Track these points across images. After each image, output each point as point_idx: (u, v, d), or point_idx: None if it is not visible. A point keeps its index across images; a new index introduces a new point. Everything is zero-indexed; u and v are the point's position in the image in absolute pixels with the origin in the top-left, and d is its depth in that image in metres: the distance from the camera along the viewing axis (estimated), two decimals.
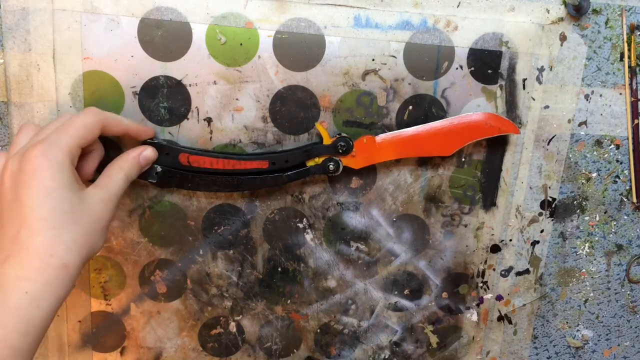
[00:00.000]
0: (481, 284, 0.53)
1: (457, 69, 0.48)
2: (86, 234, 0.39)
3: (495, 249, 0.52)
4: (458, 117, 0.47)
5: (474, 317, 0.54)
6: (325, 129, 0.47)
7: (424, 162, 0.50)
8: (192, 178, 0.46)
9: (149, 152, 0.45)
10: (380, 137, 0.47)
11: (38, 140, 0.39)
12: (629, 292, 0.54)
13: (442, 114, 0.48)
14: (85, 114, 0.41)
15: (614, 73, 0.49)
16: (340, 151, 0.46)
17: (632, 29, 0.48)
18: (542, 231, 0.52)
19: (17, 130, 0.43)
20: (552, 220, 0.52)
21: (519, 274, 0.53)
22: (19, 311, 0.35)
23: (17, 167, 0.38)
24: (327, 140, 0.47)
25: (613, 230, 0.52)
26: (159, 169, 0.46)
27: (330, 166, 0.47)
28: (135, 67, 0.46)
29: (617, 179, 0.51)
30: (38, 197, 0.37)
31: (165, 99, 0.47)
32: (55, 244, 0.37)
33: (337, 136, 0.47)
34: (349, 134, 0.48)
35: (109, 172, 0.42)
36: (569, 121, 0.49)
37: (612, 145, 0.50)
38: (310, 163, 0.47)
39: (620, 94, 0.49)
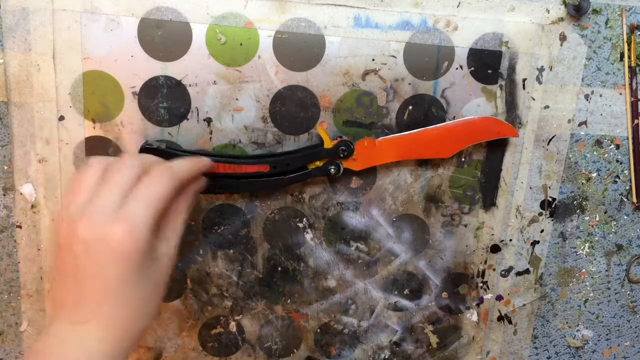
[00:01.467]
0: (481, 284, 0.53)
1: (457, 69, 0.48)
2: (156, 291, 0.39)
3: (495, 249, 0.52)
4: (457, 120, 0.48)
5: (474, 317, 0.54)
6: (325, 131, 0.47)
7: (424, 162, 0.50)
8: None
9: (203, 185, 0.45)
10: (380, 140, 0.47)
11: (118, 214, 0.37)
12: (629, 292, 0.54)
13: (442, 114, 0.48)
14: (163, 181, 0.39)
15: (614, 73, 0.49)
16: (342, 155, 0.47)
17: (632, 29, 0.48)
18: (542, 231, 0.52)
19: (81, 172, 0.40)
20: (552, 220, 0.52)
21: (519, 274, 0.53)
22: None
23: (97, 236, 0.36)
24: (328, 144, 0.47)
25: (613, 230, 0.52)
26: None
27: (332, 169, 0.47)
28: (135, 67, 0.46)
29: (617, 179, 0.51)
30: (124, 276, 0.37)
31: (165, 99, 0.47)
32: (136, 315, 0.38)
33: (338, 139, 0.47)
34: (349, 134, 0.48)
35: (171, 219, 0.42)
36: (569, 121, 0.49)
37: (612, 145, 0.50)
38: (311, 166, 0.47)
39: (620, 94, 0.49)
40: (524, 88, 0.48)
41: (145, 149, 0.46)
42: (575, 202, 0.51)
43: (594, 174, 0.51)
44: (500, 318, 0.54)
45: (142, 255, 0.37)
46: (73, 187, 0.39)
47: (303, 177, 0.47)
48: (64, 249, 0.37)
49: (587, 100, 0.49)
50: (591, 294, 0.54)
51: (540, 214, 0.52)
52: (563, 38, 0.48)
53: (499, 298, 0.54)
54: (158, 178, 0.39)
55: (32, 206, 0.49)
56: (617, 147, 0.50)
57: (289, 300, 0.53)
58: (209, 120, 0.48)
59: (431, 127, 0.47)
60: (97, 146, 0.48)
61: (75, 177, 0.40)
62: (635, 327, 0.55)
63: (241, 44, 0.46)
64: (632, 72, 0.48)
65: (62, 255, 0.38)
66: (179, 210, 0.42)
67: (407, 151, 0.48)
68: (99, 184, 0.38)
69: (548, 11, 0.47)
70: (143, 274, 0.38)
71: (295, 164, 0.47)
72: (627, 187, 0.51)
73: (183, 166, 0.42)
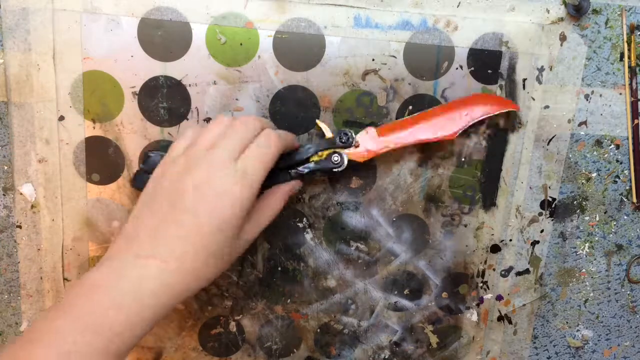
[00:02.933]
0: (481, 284, 0.53)
1: (457, 69, 0.48)
2: (222, 262, 0.39)
3: (495, 249, 0.52)
4: (456, 100, 0.47)
5: (474, 317, 0.54)
6: (325, 125, 0.47)
7: (424, 161, 0.50)
8: None
9: (296, 185, 0.47)
10: (382, 127, 0.47)
11: (237, 169, 0.38)
12: (629, 292, 0.54)
13: None
14: (275, 142, 0.41)
15: (614, 73, 0.49)
16: (342, 141, 0.46)
17: (632, 29, 0.48)
18: (542, 231, 0.52)
19: (211, 124, 0.41)
20: (552, 220, 0.52)
21: (519, 274, 0.53)
22: (154, 296, 0.36)
23: (211, 184, 0.37)
24: (329, 135, 0.47)
25: (613, 230, 0.52)
26: None
27: (335, 157, 0.46)
28: (135, 67, 0.46)
29: (617, 179, 0.51)
30: (214, 230, 0.37)
31: (165, 99, 0.47)
32: (199, 274, 0.38)
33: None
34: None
35: (262, 210, 0.43)
36: (569, 121, 0.49)
37: (612, 145, 0.50)
38: (314, 158, 0.46)
39: (620, 94, 0.49)
40: (524, 88, 0.48)
41: (151, 156, 0.46)
42: (575, 202, 0.51)
43: (594, 174, 0.51)
44: (500, 318, 0.54)
45: (238, 214, 0.38)
46: (200, 135, 0.41)
47: (310, 171, 0.46)
48: (166, 187, 0.38)
49: (587, 100, 0.49)
50: (591, 294, 0.54)
51: (540, 214, 0.52)
52: (563, 38, 0.48)
53: (499, 298, 0.54)
54: (268, 140, 0.40)
55: (32, 206, 0.49)
56: (617, 147, 0.50)
57: (289, 300, 0.53)
58: (209, 121, 0.48)
59: (430, 109, 0.47)
60: (97, 146, 0.48)
61: (198, 128, 0.42)
62: (635, 327, 0.55)
63: (241, 44, 0.46)
64: (632, 72, 0.48)
65: (159, 192, 0.38)
66: (271, 205, 0.43)
67: (410, 135, 0.47)
68: (221, 136, 0.40)
69: (548, 11, 0.47)
70: (225, 238, 0.38)
71: (299, 157, 0.46)
72: (627, 187, 0.51)
73: (286, 135, 0.44)
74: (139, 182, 0.46)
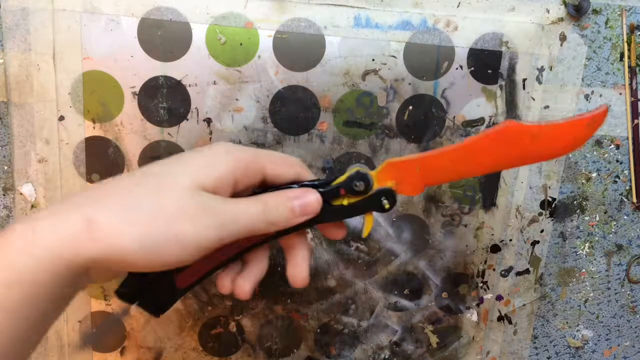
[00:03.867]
0: (481, 284, 0.53)
1: (457, 69, 0.48)
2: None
3: (495, 249, 0.52)
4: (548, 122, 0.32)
5: (474, 317, 0.54)
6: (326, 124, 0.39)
7: None
8: None
9: (312, 201, 0.34)
10: (416, 158, 0.33)
11: None
12: (629, 292, 0.54)
13: (442, 114, 0.48)
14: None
15: (614, 73, 0.49)
16: (356, 188, 0.34)
17: (632, 29, 0.48)
18: (542, 231, 0.52)
19: None
20: (552, 220, 0.52)
21: (519, 274, 0.53)
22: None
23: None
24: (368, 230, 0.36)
25: (613, 230, 0.52)
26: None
27: (384, 200, 0.34)
28: (135, 67, 0.46)
29: (617, 179, 0.51)
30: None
31: (165, 99, 0.47)
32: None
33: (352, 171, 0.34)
34: (349, 134, 0.48)
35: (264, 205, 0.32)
36: None
37: (612, 145, 0.50)
38: (336, 202, 0.34)
39: (620, 94, 0.49)
40: (524, 88, 0.48)
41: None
42: (575, 202, 0.51)
43: (594, 174, 0.51)
44: (500, 318, 0.54)
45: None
46: None
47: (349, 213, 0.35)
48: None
49: (587, 100, 0.49)
50: (591, 294, 0.54)
51: (540, 214, 0.51)
52: (563, 38, 0.48)
53: (499, 298, 0.54)
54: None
55: (32, 206, 0.49)
56: (617, 147, 0.50)
57: (289, 300, 0.53)
58: (208, 121, 0.48)
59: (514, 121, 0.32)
60: (97, 146, 0.48)
61: None
62: (635, 327, 0.55)
63: (241, 44, 0.46)
64: (632, 72, 0.48)
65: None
66: (273, 208, 0.33)
67: (469, 166, 0.33)
68: None
69: (548, 11, 0.47)
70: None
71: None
72: (627, 187, 0.51)
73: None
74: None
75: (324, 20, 0.46)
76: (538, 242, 0.52)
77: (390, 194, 0.34)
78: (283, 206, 0.33)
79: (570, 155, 0.50)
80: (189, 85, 0.47)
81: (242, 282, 0.37)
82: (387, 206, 0.34)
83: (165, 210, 0.29)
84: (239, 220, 0.31)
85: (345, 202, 0.34)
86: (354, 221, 0.51)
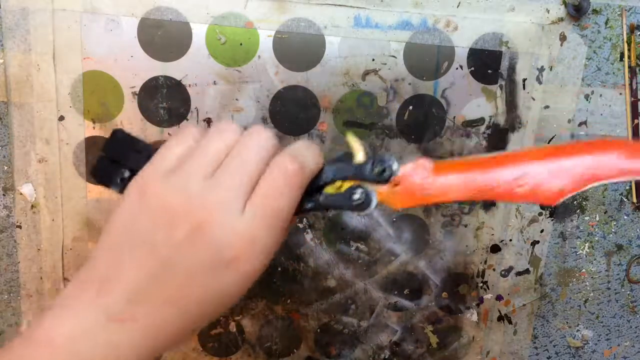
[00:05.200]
0: (481, 284, 0.53)
1: (457, 69, 0.48)
2: (219, 306, 0.30)
3: (495, 249, 0.52)
4: (574, 144, 0.31)
5: (474, 317, 0.54)
6: (358, 141, 0.32)
7: None
8: None
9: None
10: (441, 162, 0.31)
11: (245, 215, 0.29)
12: (629, 292, 0.54)
13: (442, 114, 0.48)
14: (304, 163, 0.30)
15: (614, 73, 0.49)
16: (376, 173, 0.30)
17: (632, 29, 0.48)
18: (542, 231, 0.52)
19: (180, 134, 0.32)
20: (552, 220, 0.52)
21: (519, 274, 0.53)
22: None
23: (201, 216, 0.28)
24: (358, 158, 0.31)
25: (613, 230, 0.52)
26: (126, 174, 0.32)
27: (356, 195, 0.30)
28: (135, 67, 0.46)
29: None
30: (209, 296, 0.29)
31: (165, 100, 0.47)
32: (187, 328, 0.30)
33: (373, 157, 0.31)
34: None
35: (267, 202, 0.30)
36: (569, 121, 0.49)
37: None
38: (328, 189, 0.32)
39: (620, 94, 0.49)
40: (524, 88, 0.48)
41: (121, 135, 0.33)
42: (575, 202, 0.51)
43: None
44: (500, 318, 0.54)
45: (249, 286, 0.30)
46: (200, 145, 0.30)
47: (313, 209, 0.32)
48: (149, 219, 0.29)
49: (587, 100, 0.49)
50: (591, 294, 0.54)
51: (540, 214, 0.51)
52: (563, 38, 0.48)
53: (499, 298, 0.54)
54: (293, 163, 0.30)
55: (32, 206, 0.49)
56: None
57: (289, 300, 0.53)
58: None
59: (529, 148, 0.30)
60: (97, 146, 0.48)
61: (199, 131, 0.31)
62: (635, 327, 0.55)
63: (241, 44, 0.46)
64: (632, 72, 0.48)
65: (139, 225, 0.29)
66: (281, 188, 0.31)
67: (486, 187, 0.29)
68: (229, 159, 0.30)
69: (548, 11, 0.47)
70: (223, 307, 0.30)
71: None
72: (627, 187, 0.51)
73: (314, 150, 0.31)
74: (102, 174, 0.33)
75: (324, 20, 0.46)
76: (538, 242, 0.52)
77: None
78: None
79: None
80: (189, 85, 0.47)
81: None
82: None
83: None
84: None
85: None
86: (354, 221, 0.51)
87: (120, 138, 0.33)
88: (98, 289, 0.28)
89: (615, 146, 0.28)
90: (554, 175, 0.28)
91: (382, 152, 0.29)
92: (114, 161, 0.32)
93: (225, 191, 0.28)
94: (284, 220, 0.29)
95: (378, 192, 0.31)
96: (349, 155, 0.31)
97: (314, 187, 0.31)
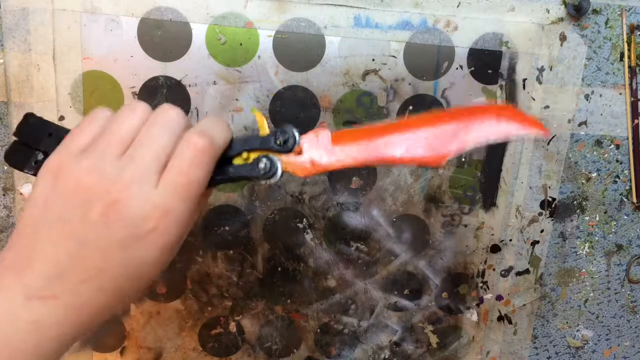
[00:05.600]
0: (481, 284, 0.53)
1: (457, 69, 0.48)
2: (139, 293, 0.32)
3: (495, 249, 0.52)
4: (457, 109, 0.34)
5: (474, 317, 0.54)
6: (263, 115, 0.36)
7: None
8: None
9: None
10: (339, 133, 0.33)
11: (159, 188, 0.29)
12: (629, 292, 0.54)
13: None
14: (215, 134, 0.31)
15: (614, 73, 0.49)
16: (278, 144, 0.33)
17: (632, 29, 0.48)
18: (542, 231, 0.52)
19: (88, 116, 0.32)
20: (552, 220, 0.52)
21: (519, 274, 0.53)
22: (54, 341, 0.30)
23: (116, 195, 0.29)
24: (263, 130, 0.34)
25: (613, 230, 0.52)
26: (40, 156, 0.33)
27: (262, 164, 0.32)
28: (135, 67, 0.46)
29: (617, 179, 0.51)
30: (131, 269, 0.30)
31: (165, 99, 0.47)
32: (113, 302, 0.30)
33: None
34: None
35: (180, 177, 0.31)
36: (569, 121, 0.49)
37: (612, 145, 0.50)
38: (237, 160, 0.33)
39: (620, 94, 0.49)
40: (524, 88, 0.48)
41: (32, 119, 0.34)
42: (575, 202, 0.51)
43: (594, 174, 0.51)
44: (500, 318, 0.54)
45: (169, 258, 0.31)
46: (110, 125, 0.31)
47: (222, 181, 0.34)
48: (65, 200, 0.29)
49: (587, 100, 0.49)
50: (591, 294, 0.54)
51: (540, 214, 0.52)
52: (563, 38, 0.48)
53: (499, 298, 0.54)
54: (204, 137, 0.31)
55: None
56: (617, 147, 0.50)
57: (289, 301, 0.53)
58: None
59: (415, 116, 0.33)
60: None
61: (109, 113, 0.32)
62: (635, 327, 0.55)
63: (241, 44, 0.46)
64: (632, 72, 0.48)
65: (54, 207, 0.29)
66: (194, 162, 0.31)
67: (378, 149, 0.32)
68: (142, 135, 0.31)
69: (548, 11, 0.47)
70: (146, 281, 0.31)
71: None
72: (627, 187, 0.51)
73: (222, 125, 0.33)
74: (15, 158, 0.34)
75: (324, 20, 0.46)
76: (538, 242, 0.52)
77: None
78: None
79: (570, 155, 0.50)
80: (189, 85, 0.47)
81: None
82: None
83: None
84: None
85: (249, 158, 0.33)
86: (354, 221, 0.51)
87: (32, 122, 0.34)
88: (17, 270, 0.29)
89: (492, 110, 0.32)
90: (439, 138, 0.31)
91: (284, 125, 0.33)
92: (27, 145, 0.33)
93: (138, 168, 0.29)
94: (196, 193, 0.30)
95: (282, 161, 0.33)
96: (256, 131, 0.33)
97: (224, 160, 0.33)
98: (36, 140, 0.33)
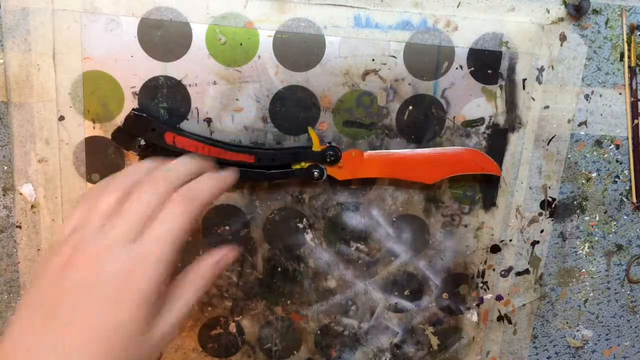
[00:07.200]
0: (481, 284, 0.53)
1: (457, 69, 0.48)
2: None
3: (495, 249, 0.52)
4: (445, 149, 0.48)
5: (474, 318, 0.54)
6: (316, 135, 0.48)
7: None
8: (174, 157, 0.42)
9: (228, 254, 0.38)
10: (368, 154, 0.48)
11: (135, 252, 0.31)
12: (629, 292, 0.54)
13: (442, 114, 0.48)
14: (182, 215, 0.34)
15: (614, 73, 0.49)
16: (328, 160, 0.47)
17: (632, 29, 0.48)
18: (542, 231, 0.52)
19: (100, 196, 0.35)
20: (552, 220, 0.52)
21: (518, 274, 0.53)
22: None
23: (86, 267, 0.30)
24: (317, 147, 0.47)
25: (613, 230, 0.52)
26: (142, 142, 0.45)
27: (315, 173, 0.47)
28: (135, 67, 0.46)
29: (617, 179, 0.51)
30: (102, 337, 0.30)
31: (165, 99, 0.47)
32: None
33: (327, 144, 0.47)
34: (349, 134, 0.48)
35: (181, 289, 0.34)
36: (569, 121, 0.49)
37: (612, 145, 0.50)
38: (295, 166, 0.47)
39: (620, 94, 0.49)
40: (524, 88, 0.48)
41: (135, 115, 0.45)
42: (575, 202, 0.51)
43: (594, 174, 0.51)
44: (500, 318, 0.54)
45: (143, 318, 0.31)
46: (91, 209, 0.33)
47: (285, 176, 0.47)
48: (42, 290, 0.30)
49: (587, 100, 0.49)
50: (591, 294, 0.54)
51: (540, 214, 0.52)
52: (563, 38, 0.48)
53: (499, 298, 0.53)
54: (178, 211, 0.34)
55: (32, 206, 0.49)
56: (617, 147, 0.50)
57: (289, 301, 0.53)
58: (209, 121, 0.48)
59: (420, 150, 0.48)
60: (97, 146, 0.48)
61: (92, 198, 0.35)
62: (635, 327, 0.55)
63: (241, 44, 0.46)
64: (632, 72, 0.49)
65: (36, 299, 0.30)
66: (193, 283, 0.35)
67: (393, 170, 0.48)
68: (120, 208, 0.33)
69: (548, 11, 0.47)
70: (121, 349, 0.30)
71: (280, 160, 0.47)
72: (627, 187, 0.51)
73: (204, 190, 0.37)
74: (119, 139, 0.46)
75: (324, 20, 0.46)
76: (538, 242, 0.52)
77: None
78: None
79: (570, 155, 0.50)
80: (189, 85, 0.47)
81: None
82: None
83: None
84: None
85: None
86: (354, 221, 0.51)
87: (136, 119, 0.45)
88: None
89: (470, 153, 0.48)
90: (433, 165, 0.48)
91: (333, 143, 0.48)
92: (133, 134, 0.45)
93: (111, 234, 0.32)
94: (162, 261, 0.32)
95: (327, 168, 0.48)
96: (311, 145, 0.47)
97: (286, 165, 0.47)
98: (141, 133, 0.45)
